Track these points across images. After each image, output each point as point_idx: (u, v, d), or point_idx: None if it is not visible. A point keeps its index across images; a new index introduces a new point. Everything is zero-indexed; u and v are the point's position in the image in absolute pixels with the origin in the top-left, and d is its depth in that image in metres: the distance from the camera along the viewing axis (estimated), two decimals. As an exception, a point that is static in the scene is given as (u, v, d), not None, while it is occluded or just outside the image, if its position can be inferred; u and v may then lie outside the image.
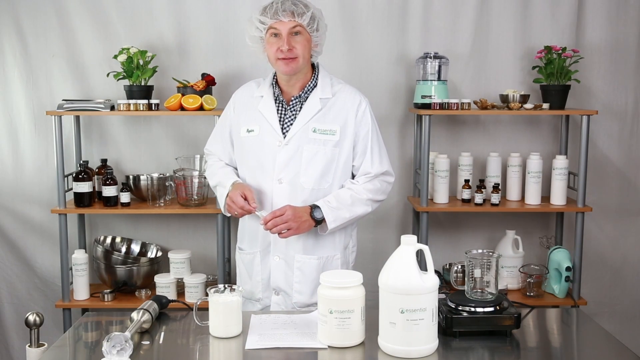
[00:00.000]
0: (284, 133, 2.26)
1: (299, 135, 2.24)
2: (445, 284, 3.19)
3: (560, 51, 3.09)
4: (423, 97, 3.10)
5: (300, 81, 2.27)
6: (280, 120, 2.27)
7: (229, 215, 2.31)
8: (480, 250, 1.90)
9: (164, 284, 3.09)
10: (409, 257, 1.67)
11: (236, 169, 2.37)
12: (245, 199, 2.18)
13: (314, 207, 2.20)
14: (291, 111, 2.28)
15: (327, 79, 2.31)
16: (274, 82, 2.31)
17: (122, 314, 2.02)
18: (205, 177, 3.07)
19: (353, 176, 2.33)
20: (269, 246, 2.29)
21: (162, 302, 1.98)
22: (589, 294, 3.36)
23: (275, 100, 2.29)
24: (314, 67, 2.32)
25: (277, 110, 2.28)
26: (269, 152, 2.25)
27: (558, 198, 3.15)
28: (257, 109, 2.30)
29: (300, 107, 2.27)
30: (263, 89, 2.33)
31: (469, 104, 3.09)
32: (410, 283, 1.64)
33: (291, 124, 2.26)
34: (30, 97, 3.28)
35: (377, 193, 2.30)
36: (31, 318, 1.80)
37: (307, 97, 2.28)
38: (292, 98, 2.28)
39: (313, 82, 2.28)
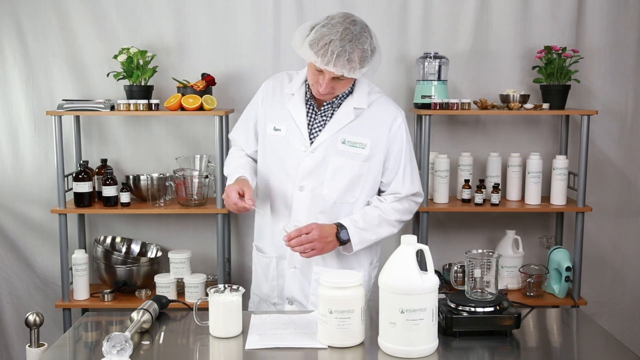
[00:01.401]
0: (311, 139, 2.13)
1: (327, 144, 2.11)
2: (445, 284, 3.19)
3: (560, 51, 3.09)
4: (423, 97, 3.10)
5: None
6: (308, 125, 2.14)
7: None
8: (480, 250, 1.89)
9: (164, 284, 3.09)
10: (409, 257, 1.67)
11: (256, 161, 2.27)
12: (243, 195, 2.04)
13: (340, 227, 2.09)
14: (321, 116, 2.14)
15: (364, 87, 2.16)
16: (306, 82, 2.17)
17: (122, 314, 2.02)
18: (205, 177, 3.10)
19: (379, 191, 2.21)
20: (285, 253, 2.18)
21: (162, 302, 1.98)
22: (589, 294, 3.36)
23: (307, 102, 2.16)
24: None
25: (307, 113, 2.15)
26: (294, 156, 2.13)
27: (558, 198, 3.15)
28: (287, 107, 2.16)
29: (332, 114, 2.13)
30: (294, 86, 2.17)
31: (469, 104, 3.09)
32: (410, 283, 1.64)
33: (320, 130, 2.13)
34: (30, 97, 3.28)
35: (404, 213, 2.19)
36: (31, 318, 1.80)
37: (340, 104, 2.13)
38: (325, 103, 2.13)
39: (349, 88, 2.13)
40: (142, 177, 3.19)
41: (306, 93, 2.17)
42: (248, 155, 2.29)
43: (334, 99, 2.13)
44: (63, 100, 3.11)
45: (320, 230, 2.05)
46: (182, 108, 3.03)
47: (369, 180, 2.15)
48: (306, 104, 2.16)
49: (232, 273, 3.32)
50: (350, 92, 2.14)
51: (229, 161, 2.29)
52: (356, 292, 1.72)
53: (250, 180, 2.15)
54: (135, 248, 3.34)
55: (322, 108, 2.14)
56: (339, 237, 2.09)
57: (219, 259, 3.07)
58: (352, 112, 2.12)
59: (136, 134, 3.32)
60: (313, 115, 2.15)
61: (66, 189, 3.08)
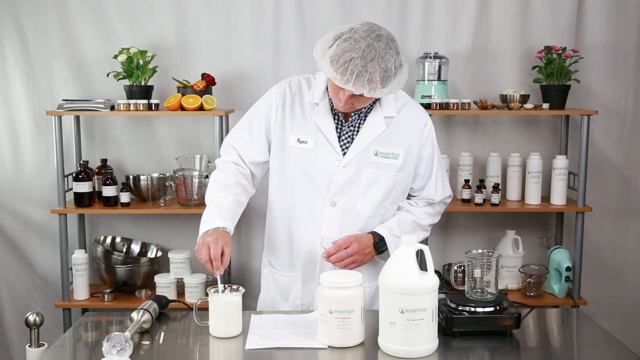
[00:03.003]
0: (343, 152, 2.03)
1: (360, 157, 2.02)
2: (445, 284, 3.19)
3: (560, 51, 3.09)
4: (423, 97, 3.10)
5: None
6: (338, 137, 2.04)
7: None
8: (480, 250, 1.89)
9: (164, 284, 3.09)
10: (409, 257, 1.67)
11: (251, 171, 2.11)
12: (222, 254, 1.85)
13: (377, 238, 2.04)
14: (349, 127, 2.03)
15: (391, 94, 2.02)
16: (327, 90, 2.02)
17: (122, 314, 2.02)
18: (206, 177, 3.09)
19: (408, 195, 2.16)
20: (315, 270, 2.09)
21: (162, 302, 1.98)
22: (589, 294, 3.36)
23: (332, 111, 2.04)
24: None
25: (336, 124, 2.03)
26: (325, 172, 2.02)
27: (558, 198, 3.15)
28: (312, 118, 2.03)
29: (359, 124, 2.03)
30: (316, 94, 2.04)
31: (469, 104, 3.09)
32: (410, 283, 1.64)
33: (349, 142, 2.03)
34: (31, 97, 3.28)
35: (435, 216, 2.17)
36: (31, 318, 1.80)
37: (367, 114, 2.03)
38: (352, 113, 2.02)
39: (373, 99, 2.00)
40: (142, 177, 3.19)
41: (330, 101, 2.04)
42: (242, 167, 2.10)
43: (362, 108, 2.02)
44: (63, 100, 3.12)
45: (359, 243, 2.01)
46: (182, 108, 3.03)
47: (400, 189, 2.09)
48: (332, 114, 2.04)
49: (232, 273, 3.32)
50: (378, 99, 2.03)
51: (217, 188, 2.05)
52: (356, 292, 1.72)
53: (232, 230, 1.97)
54: (135, 248, 3.34)
55: (350, 119, 2.03)
56: (377, 247, 2.05)
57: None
58: (383, 122, 2.03)
59: (136, 134, 3.32)
60: (339, 126, 2.04)
61: (66, 189, 3.08)
